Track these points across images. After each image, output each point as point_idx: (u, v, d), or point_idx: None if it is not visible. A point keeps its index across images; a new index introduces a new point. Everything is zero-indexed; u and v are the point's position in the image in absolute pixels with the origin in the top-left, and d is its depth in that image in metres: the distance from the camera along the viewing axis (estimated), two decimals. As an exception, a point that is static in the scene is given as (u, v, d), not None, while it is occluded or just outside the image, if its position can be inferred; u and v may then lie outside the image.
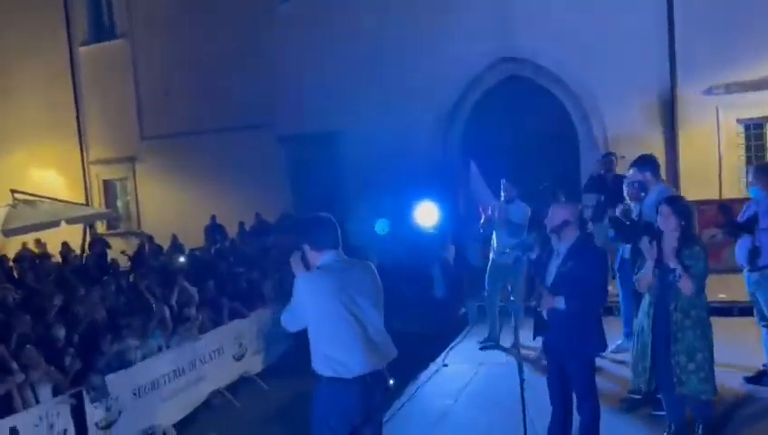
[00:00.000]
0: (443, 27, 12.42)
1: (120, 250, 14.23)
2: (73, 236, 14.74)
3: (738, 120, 10.64)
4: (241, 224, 14.54)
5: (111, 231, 16.76)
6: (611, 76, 11.09)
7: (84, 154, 16.91)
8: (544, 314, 4.06)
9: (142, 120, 16.19)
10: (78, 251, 15.02)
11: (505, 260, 6.89)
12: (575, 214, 4.17)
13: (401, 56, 12.92)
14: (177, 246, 14.18)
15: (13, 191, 14.92)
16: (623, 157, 8.22)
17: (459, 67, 12.49)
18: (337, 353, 3.38)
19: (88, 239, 15.64)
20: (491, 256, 7.51)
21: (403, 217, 9.83)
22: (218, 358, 8.46)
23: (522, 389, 3.93)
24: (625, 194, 5.65)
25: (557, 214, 4.16)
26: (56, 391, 6.38)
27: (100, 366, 6.87)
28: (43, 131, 16.78)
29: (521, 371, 3.91)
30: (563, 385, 4.16)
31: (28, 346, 6.27)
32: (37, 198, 14.51)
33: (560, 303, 3.95)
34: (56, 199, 15.27)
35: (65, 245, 14.79)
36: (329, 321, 3.39)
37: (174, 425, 7.70)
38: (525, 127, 12.24)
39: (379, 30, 13.06)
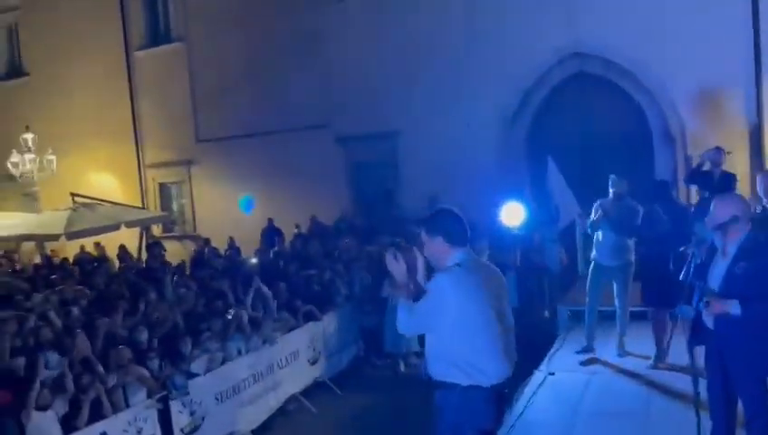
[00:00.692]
0: (506, 22, 12.06)
1: (175, 253, 14.26)
2: (129, 239, 14.81)
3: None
4: (297, 227, 14.41)
5: (167, 234, 16.80)
6: (689, 71, 10.60)
7: (141, 158, 17.00)
8: (709, 321, 3.67)
9: (198, 122, 16.18)
10: (135, 254, 15.15)
11: (611, 263, 6.51)
12: (743, 208, 3.79)
13: (462, 54, 12.61)
14: (235, 249, 14.14)
15: (73, 195, 15.11)
16: (729, 152, 7.76)
17: (524, 64, 12.13)
18: (477, 359, 3.13)
19: (144, 242, 15.76)
20: (593, 258, 7.06)
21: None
22: (294, 362, 8.30)
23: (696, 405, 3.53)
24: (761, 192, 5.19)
25: (723, 208, 3.76)
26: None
27: (182, 369, 6.73)
28: (99, 135, 16.93)
29: (696, 384, 3.54)
30: (728, 400, 3.78)
31: (121, 347, 6.14)
32: (96, 202, 14.63)
33: (733, 307, 3.58)
34: (114, 203, 15.40)
35: (123, 248, 14.88)
36: (473, 324, 3.12)
37: (252, 431, 7.55)
38: (595, 126, 11.84)
39: (438, 27, 12.79)
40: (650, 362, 5.77)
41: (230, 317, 7.50)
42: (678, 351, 5.77)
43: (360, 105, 13.60)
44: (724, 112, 10.80)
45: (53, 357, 5.81)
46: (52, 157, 15.52)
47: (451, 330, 3.10)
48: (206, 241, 14.74)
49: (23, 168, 15.28)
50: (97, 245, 15.31)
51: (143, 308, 7.75)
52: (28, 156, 15.29)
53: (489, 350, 3.17)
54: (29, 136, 15.26)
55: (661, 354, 5.71)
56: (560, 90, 12.18)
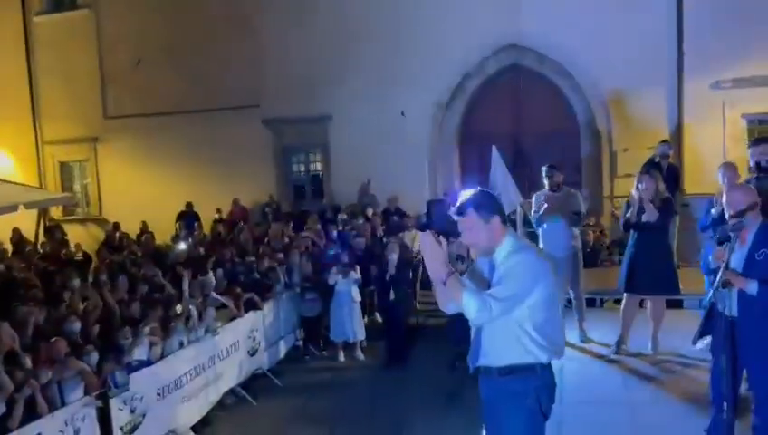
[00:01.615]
0: (445, 10, 12.02)
1: (78, 237, 13.16)
2: (23, 222, 13.50)
3: (743, 116, 10.81)
4: (218, 211, 13.74)
5: (68, 217, 15.48)
6: (618, 69, 11.03)
7: (38, 133, 15.51)
8: (725, 306, 3.69)
9: (106, 98, 14.99)
10: (32, 238, 13.83)
11: (560, 253, 6.53)
12: (756, 196, 3.76)
13: (396, 39, 12.46)
14: (148, 234, 13.24)
15: (-39, 171, 13.56)
16: (651, 147, 8.10)
17: (460, 52, 12.16)
18: (557, 336, 3.04)
19: (43, 226, 14.44)
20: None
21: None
22: (234, 353, 7.80)
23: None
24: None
25: (740, 197, 3.77)
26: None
27: (120, 362, 6.11)
28: (-9, 109, 15.29)
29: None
30: (735, 385, 3.81)
31: (56, 339, 5.46)
32: (-12, 181, 13.17)
33: (751, 285, 3.61)
34: (8, 181, 13.93)
35: (17, 231, 13.55)
36: (552, 301, 2.97)
37: (192, 427, 7.02)
38: (526, 117, 12.08)
39: (373, 10, 12.54)
40: (612, 348, 5.87)
41: (179, 310, 6.90)
42: (635, 337, 5.95)
43: (291, 88, 13.11)
44: (647, 110, 11.34)
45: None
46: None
47: (542, 307, 2.87)
48: (116, 225, 13.73)
49: None
50: (-11, 228, 13.85)
51: (69, 297, 6.96)
52: None
53: (561, 324, 3.15)
54: None
55: (623, 341, 5.84)
56: (494, 80, 12.32)
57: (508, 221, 3.18)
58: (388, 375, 8.41)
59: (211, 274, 8.12)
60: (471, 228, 2.98)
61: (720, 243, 3.86)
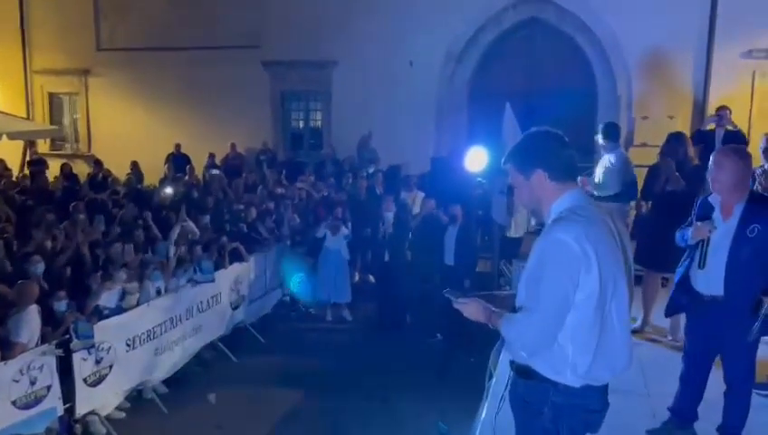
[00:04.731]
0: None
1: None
2: (7, 153, 12.90)
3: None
4: (211, 156, 13.09)
5: (55, 151, 14.84)
6: (645, 31, 10.27)
7: (27, 61, 14.74)
8: (703, 286, 3.45)
9: (99, 28, 14.17)
10: (16, 171, 13.25)
11: None
12: (746, 167, 3.42)
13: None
14: (137, 174, 12.65)
15: (-58, 96, 12.87)
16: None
17: (477, 2, 11.36)
18: (601, 354, 2.27)
19: (27, 158, 13.83)
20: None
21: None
22: (216, 305, 7.31)
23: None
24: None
25: (730, 168, 3.36)
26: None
27: (89, 309, 5.62)
28: (-23, 31, 14.48)
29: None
30: (706, 368, 3.66)
31: (24, 282, 4.94)
32: (-28, 107, 12.53)
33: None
34: (-6, 110, 13.27)
35: (2, 162, 12.95)
36: (592, 305, 2.18)
37: (164, 381, 6.58)
38: (542, 76, 11.35)
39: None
40: (637, 324, 5.35)
41: (171, 254, 6.38)
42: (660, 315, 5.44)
43: (295, 29, 12.31)
44: (672, 77, 10.64)
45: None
46: None
47: (578, 308, 2.13)
48: (98, 162, 13.07)
49: None
50: (-29, 157, 13.26)
51: (40, 236, 6.42)
52: None
53: (609, 337, 2.26)
54: None
55: (646, 322, 5.34)
56: (510, 33, 11.55)
57: (570, 176, 2.32)
58: (379, 339, 7.98)
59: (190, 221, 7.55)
60: (516, 186, 2.36)
61: (700, 218, 3.53)
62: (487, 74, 11.85)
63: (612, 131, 5.94)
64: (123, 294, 5.98)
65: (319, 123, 13.29)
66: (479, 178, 8.07)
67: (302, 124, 13.55)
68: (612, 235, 2.25)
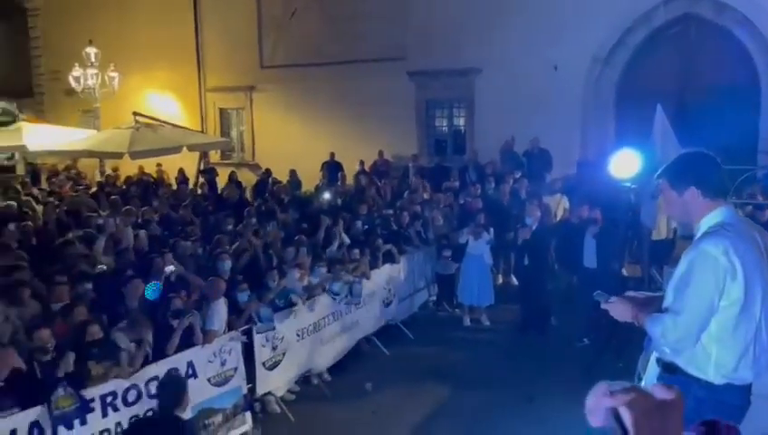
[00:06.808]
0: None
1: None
2: (186, 163, 14.56)
3: None
4: (361, 163, 13.93)
5: (224, 161, 16.52)
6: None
7: (202, 81, 16.57)
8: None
9: (262, 48, 15.61)
10: (192, 179, 14.92)
11: None
12: None
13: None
14: (295, 182, 13.79)
15: (135, 114, 14.78)
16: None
17: (622, 1, 11.16)
18: (744, 356, 2.48)
19: (200, 168, 15.51)
20: None
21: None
22: (370, 303, 7.95)
23: None
24: None
25: None
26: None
27: (266, 299, 6.43)
28: (161, 55, 16.46)
29: None
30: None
31: (214, 278, 5.83)
32: (158, 123, 14.28)
33: None
34: (175, 125, 15.05)
35: (182, 172, 14.66)
36: (736, 312, 2.42)
37: (327, 370, 7.30)
38: (697, 74, 10.90)
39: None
40: None
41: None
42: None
43: (438, 39, 12.83)
44: None
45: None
46: (115, 74, 15.16)
47: (722, 315, 2.38)
48: (267, 171, 14.40)
49: (84, 82, 14.94)
50: (159, 166, 15.18)
51: (228, 238, 7.40)
52: (90, 71, 14.91)
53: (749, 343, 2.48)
54: (92, 50, 14.84)
55: None
56: (662, 32, 11.20)
57: (721, 194, 2.53)
58: (523, 340, 8.20)
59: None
60: (667, 201, 2.62)
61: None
62: (636, 75, 11.58)
63: None
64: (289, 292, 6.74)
65: (462, 129, 13.68)
66: (628, 183, 8.02)
67: (445, 130, 14.02)
68: (759, 249, 2.46)
